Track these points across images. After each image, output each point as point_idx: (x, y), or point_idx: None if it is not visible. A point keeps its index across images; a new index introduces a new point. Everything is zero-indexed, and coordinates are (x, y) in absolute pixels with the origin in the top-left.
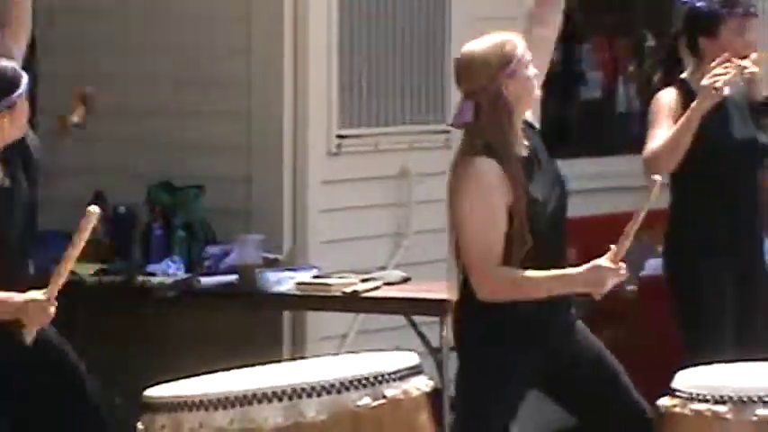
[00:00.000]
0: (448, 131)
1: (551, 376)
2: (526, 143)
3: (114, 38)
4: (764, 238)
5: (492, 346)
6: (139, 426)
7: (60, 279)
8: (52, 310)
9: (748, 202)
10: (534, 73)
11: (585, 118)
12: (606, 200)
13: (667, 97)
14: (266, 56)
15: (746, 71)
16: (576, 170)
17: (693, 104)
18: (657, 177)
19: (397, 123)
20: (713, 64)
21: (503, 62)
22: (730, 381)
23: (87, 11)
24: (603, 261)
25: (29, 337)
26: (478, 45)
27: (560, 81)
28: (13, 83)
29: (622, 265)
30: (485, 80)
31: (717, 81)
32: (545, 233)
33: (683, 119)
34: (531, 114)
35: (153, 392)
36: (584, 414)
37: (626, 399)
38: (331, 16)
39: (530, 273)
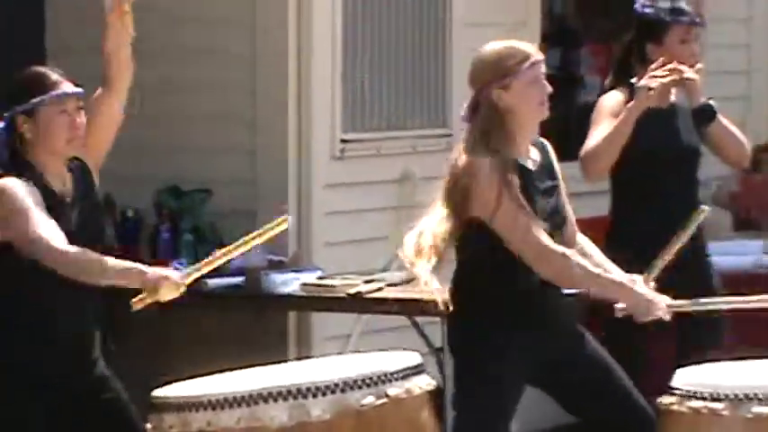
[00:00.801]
0: (449, 135)
1: (548, 368)
2: (535, 158)
3: None
4: (706, 243)
5: (490, 330)
6: (148, 426)
7: (202, 270)
8: (182, 289)
9: (690, 208)
10: (543, 89)
11: (584, 121)
12: (606, 202)
13: (610, 99)
14: (271, 62)
15: (684, 76)
16: (575, 173)
17: (629, 104)
18: (705, 208)
19: (399, 128)
20: (653, 66)
21: (498, 73)
22: (727, 379)
23: (94, 17)
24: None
25: (138, 305)
26: (489, 49)
27: (559, 85)
28: (31, 88)
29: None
30: (480, 85)
31: (652, 82)
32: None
33: (619, 118)
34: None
35: (161, 393)
36: (580, 410)
37: (626, 397)
38: (335, 24)
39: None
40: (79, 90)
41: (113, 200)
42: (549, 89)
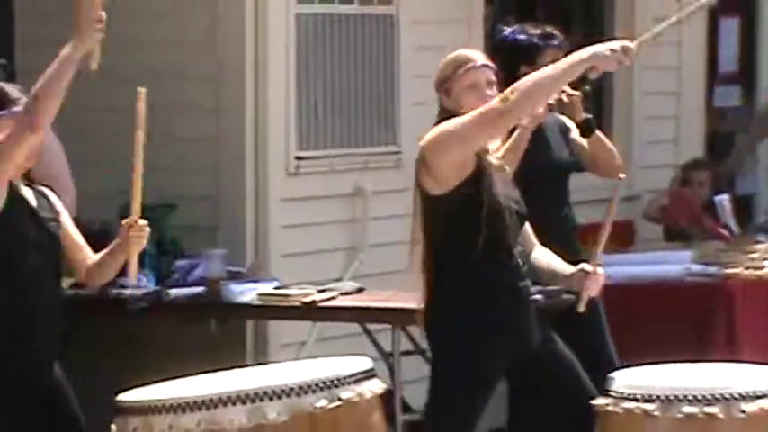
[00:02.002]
0: (399, 153)
1: (520, 361)
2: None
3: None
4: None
5: (463, 328)
6: (113, 428)
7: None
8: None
9: (560, 222)
10: (479, 94)
11: None
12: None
13: None
14: (231, 85)
15: (568, 93)
16: None
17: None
18: (622, 176)
19: (351, 145)
20: None
21: (442, 79)
22: (658, 381)
23: (63, 9)
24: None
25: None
26: (449, 56)
27: None
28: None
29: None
30: (436, 89)
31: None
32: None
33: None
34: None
35: (126, 397)
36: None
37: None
38: (289, 49)
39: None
40: None
41: (80, 214)
42: (488, 94)
